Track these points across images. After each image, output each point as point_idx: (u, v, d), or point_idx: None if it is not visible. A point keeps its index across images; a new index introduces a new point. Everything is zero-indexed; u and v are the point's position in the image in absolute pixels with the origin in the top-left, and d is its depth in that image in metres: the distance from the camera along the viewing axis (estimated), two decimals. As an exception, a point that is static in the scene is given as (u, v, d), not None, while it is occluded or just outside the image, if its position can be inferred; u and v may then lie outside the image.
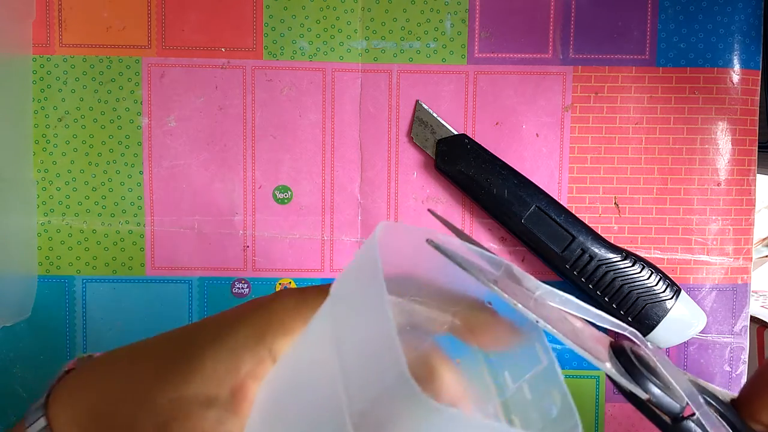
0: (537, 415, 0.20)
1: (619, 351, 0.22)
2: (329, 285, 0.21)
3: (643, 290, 0.38)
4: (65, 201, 0.41)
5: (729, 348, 0.41)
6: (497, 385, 0.22)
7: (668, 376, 0.21)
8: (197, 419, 0.20)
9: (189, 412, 0.20)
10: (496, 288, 0.19)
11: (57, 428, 0.22)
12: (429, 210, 0.21)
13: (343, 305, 0.19)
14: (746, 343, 0.41)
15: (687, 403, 0.21)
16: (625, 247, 0.40)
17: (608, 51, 0.41)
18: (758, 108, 0.41)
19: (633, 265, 0.38)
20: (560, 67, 0.41)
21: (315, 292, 0.22)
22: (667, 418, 0.21)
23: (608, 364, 0.20)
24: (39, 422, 0.22)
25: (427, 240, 0.19)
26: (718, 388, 0.24)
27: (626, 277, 0.38)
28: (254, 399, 0.21)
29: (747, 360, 0.42)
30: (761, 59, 0.41)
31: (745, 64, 0.40)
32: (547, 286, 0.20)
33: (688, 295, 0.40)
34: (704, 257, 0.41)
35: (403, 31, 0.41)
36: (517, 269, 0.20)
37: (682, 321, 0.39)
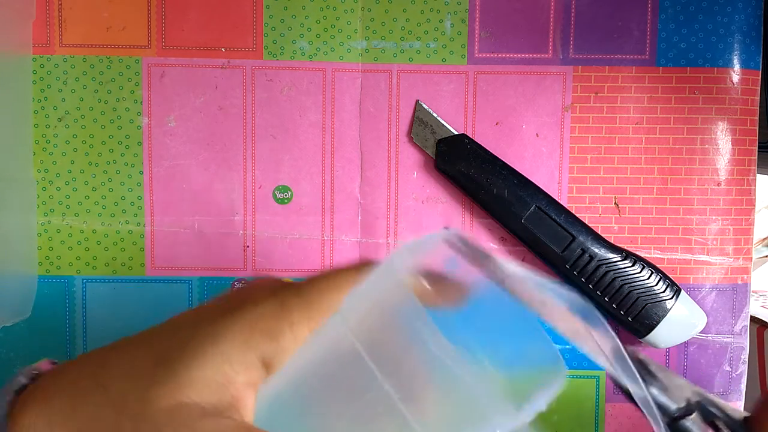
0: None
1: (621, 356, 0.23)
2: (306, 283, 0.22)
3: (643, 290, 0.38)
4: (65, 201, 0.41)
5: (729, 348, 0.41)
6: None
7: (663, 378, 0.22)
8: (195, 428, 0.20)
9: (185, 422, 0.20)
10: (506, 286, 0.20)
11: None
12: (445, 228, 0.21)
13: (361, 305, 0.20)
14: (746, 343, 0.41)
15: (685, 401, 0.22)
16: (625, 247, 0.40)
17: (608, 51, 0.41)
18: (758, 108, 0.41)
19: (633, 265, 0.38)
20: (560, 67, 0.41)
21: (294, 295, 0.22)
22: (664, 418, 0.22)
23: (609, 364, 0.21)
24: None
25: (445, 236, 0.20)
26: (730, 405, 0.25)
27: (626, 277, 0.38)
28: (252, 406, 0.21)
29: (747, 360, 0.42)
30: (761, 59, 0.41)
31: (745, 64, 0.40)
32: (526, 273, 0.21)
33: (688, 295, 0.40)
34: (704, 257, 0.41)
35: (403, 31, 0.41)
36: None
37: (682, 321, 0.39)
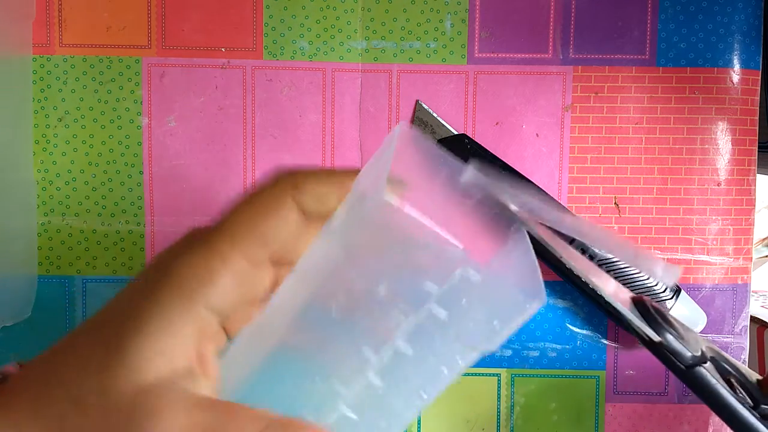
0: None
1: (640, 303, 0.24)
2: (226, 216, 0.22)
3: (643, 290, 0.38)
4: (65, 201, 0.41)
5: (729, 348, 0.41)
6: None
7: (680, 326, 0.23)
8: (165, 395, 0.20)
9: (148, 400, 0.19)
10: (533, 229, 0.21)
11: None
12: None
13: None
14: (746, 343, 0.41)
15: (700, 351, 0.23)
16: (625, 247, 0.40)
17: (608, 51, 0.41)
18: (758, 108, 0.41)
19: (633, 265, 0.38)
20: (560, 67, 0.41)
21: (216, 231, 0.21)
22: (681, 365, 0.23)
23: (627, 310, 0.22)
24: None
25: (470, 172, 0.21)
26: (745, 366, 0.25)
27: (626, 277, 0.38)
28: (212, 360, 0.21)
29: (747, 360, 0.42)
30: (761, 59, 0.41)
31: (745, 64, 0.40)
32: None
33: (688, 295, 0.40)
34: (704, 257, 0.41)
35: (403, 31, 0.41)
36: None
37: (682, 321, 0.39)
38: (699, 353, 0.23)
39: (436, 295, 0.20)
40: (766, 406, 0.24)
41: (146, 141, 0.41)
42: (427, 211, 0.20)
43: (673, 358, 0.23)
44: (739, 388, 0.24)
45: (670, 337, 0.23)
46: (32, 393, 0.21)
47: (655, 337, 0.23)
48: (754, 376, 0.26)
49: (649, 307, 0.23)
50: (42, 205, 0.41)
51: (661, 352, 0.23)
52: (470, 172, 0.21)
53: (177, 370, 0.20)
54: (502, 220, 0.22)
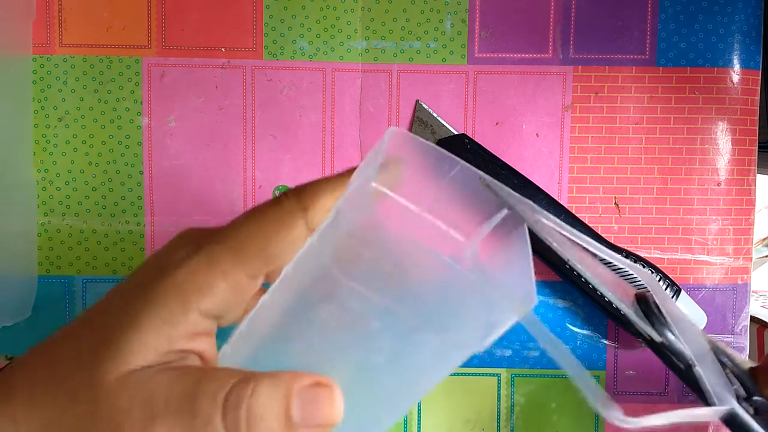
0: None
1: (643, 300, 0.23)
2: (229, 229, 0.22)
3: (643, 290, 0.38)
4: (65, 201, 0.41)
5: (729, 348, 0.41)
6: None
7: (676, 324, 0.23)
8: (149, 387, 0.20)
9: (137, 385, 0.20)
10: (539, 221, 0.21)
11: None
12: (481, 179, 0.21)
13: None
14: (746, 343, 0.41)
15: (700, 347, 0.23)
16: (625, 247, 0.40)
17: (608, 51, 0.41)
18: (758, 108, 0.41)
19: (633, 265, 0.38)
20: (560, 67, 0.41)
21: (218, 243, 0.22)
22: (681, 364, 0.23)
23: (628, 308, 0.22)
24: None
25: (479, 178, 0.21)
26: (738, 354, 0.25)
27: (626, 277, 0.38)
28: (211, 354, 0.22)
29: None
30: (761, 59, 0.41)
31: (745, 64, 0.40)
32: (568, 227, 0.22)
33: (688, 295, 0.40)
34: (704, 257, 0.41)
35: (403, 31, 0.41)
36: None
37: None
38: (699, 350, 0.23)
39: (424, 290, 0.20)
40: (758, 398, 0.24)
41: (146, 141, 0.41)
42: (419, 203, 0.20)
43: (674, 358, 0.23)
44: (734, 379, 0.24)
45: (671, 337, 0.23)
46: (28, 386, 0.21)
47: (657, 338, 0.23)
48: (748, 364, 0.26)
49: (651, 304, 0.23)
50: (42, 205, 0.41)
51: (662, 351, 0.23)
52: (472, 171, 0.21)
53: (167, 360, 0.21)
54: (503, 220, 0.22)
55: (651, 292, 0.24)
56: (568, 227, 0.21)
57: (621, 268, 0.38)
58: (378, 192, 0.20)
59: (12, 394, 0.21)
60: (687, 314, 0.25)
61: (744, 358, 0.26)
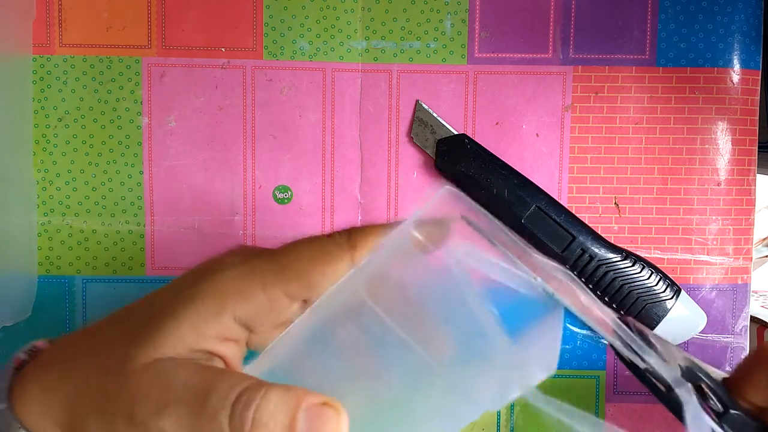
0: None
1: (624, 324, 0.24)
2: (280, 250, 0.23)
3: (643, 290, 0.38)
4: (65, 201, 0.41)
5: (729, 348, 0.41)
6: None
7: (662, 350, 0.23)
8: (169, 376, 0.21)
9: (160, 372, 0.21)
10: (518, 262, 0.21)
11: (28, 420, 0.22)
12: (463, 217, 0.22)
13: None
14: (746, 343, 0.41)
15: (680, 375, 0.23)
16: (625, 247, 0.40)
17: (608, 51, 0.41)
18: (758, 108, 0.41)
19: (633, 265, 0.38)
20: (560, 67, 0.41)
21: (266, 260, 0.23)
22: (663, 387, 0.24)
23: (610, 335, 0.23)
24: None
25: (462, 216, 0.22)
26: (711, 367, 0.26)
27: (626, 277, 0.38)
28: (237, 359, 0.23)
29: (747, 360, 0.42)
30: (761, 59, 0.41)
31: (745, 64, 0.40)
32: (553, 264, 0.22)
33: (688, 295, 0.40)
34: (704, 257, 0.41)
35: (403, 31, 0.41)
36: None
37: (682, 321, 0.39)
38: (678, 373, 0.24)
39: (452, 346, 0.21)
40: (734, 412, 0.24)
41: (146, 141, 0.41)
42: (458, 260, 0.21)
43: (656, 383, 0.24)
44: (710, 395, 0.24)
45: (652, 362, 0.23)
46: (63, 361, 0.23)
47: (641, 364, 0.23)
48: (721, 376, 0.26)
49: (632, 328, 0.23)
50: (42, 205, 0.41)
51: (645, 377, 0.24)
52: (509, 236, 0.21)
53: (194, 354, 0.22)
54: (534, 293, 0.22)
55: (630, 318, 0.24)
56: (551, 262, 0.22)
57: (620, 269, 0.38)
58: (415, 238, 0.21)
59: (50, 364, 0.23)
60: (656, 335, 0.25)
61: (717, 371, 0.26)
